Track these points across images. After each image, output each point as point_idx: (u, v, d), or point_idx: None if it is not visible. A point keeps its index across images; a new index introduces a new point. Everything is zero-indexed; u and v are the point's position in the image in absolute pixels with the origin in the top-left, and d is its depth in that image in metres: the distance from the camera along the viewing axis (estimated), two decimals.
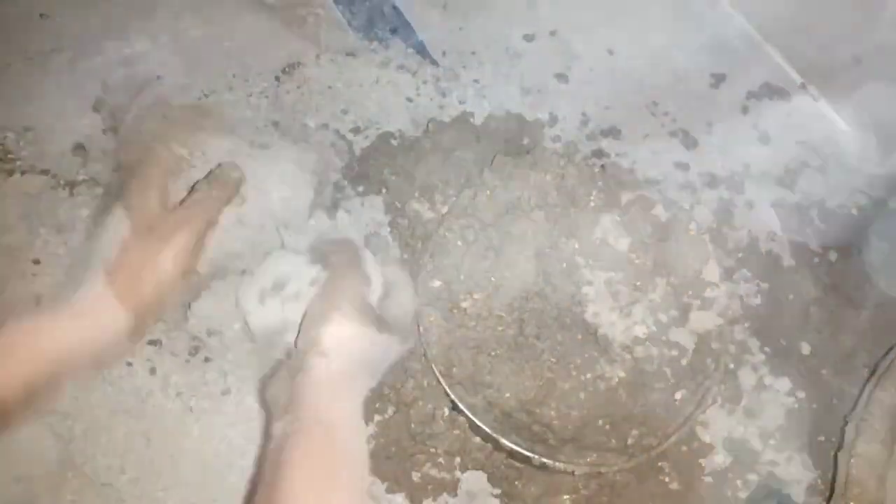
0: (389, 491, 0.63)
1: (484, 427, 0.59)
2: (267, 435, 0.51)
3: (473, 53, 0.88)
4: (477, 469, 0.63)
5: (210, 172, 0.61)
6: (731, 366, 0.69)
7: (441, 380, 0.61)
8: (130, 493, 0.62)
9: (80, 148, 0.78)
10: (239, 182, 0.62)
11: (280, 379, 0.52)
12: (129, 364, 0.66)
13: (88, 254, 0.54)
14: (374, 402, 0.65)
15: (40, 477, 0.62)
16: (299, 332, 0.54)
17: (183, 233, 0.54)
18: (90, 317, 0.50)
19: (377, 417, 0.65)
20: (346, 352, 0.52)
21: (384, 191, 0.76)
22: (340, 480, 0.47)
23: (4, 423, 0.46)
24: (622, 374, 0.62)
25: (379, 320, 0.55)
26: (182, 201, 0.58)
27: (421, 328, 0.63)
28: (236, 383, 0.67)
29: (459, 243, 0.66)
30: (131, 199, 0.55)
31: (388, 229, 0.73)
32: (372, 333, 0.54)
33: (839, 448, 0.62)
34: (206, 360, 0.67)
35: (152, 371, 0.66)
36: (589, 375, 0.61)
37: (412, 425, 0.63)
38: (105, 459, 0.63)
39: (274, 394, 0.51)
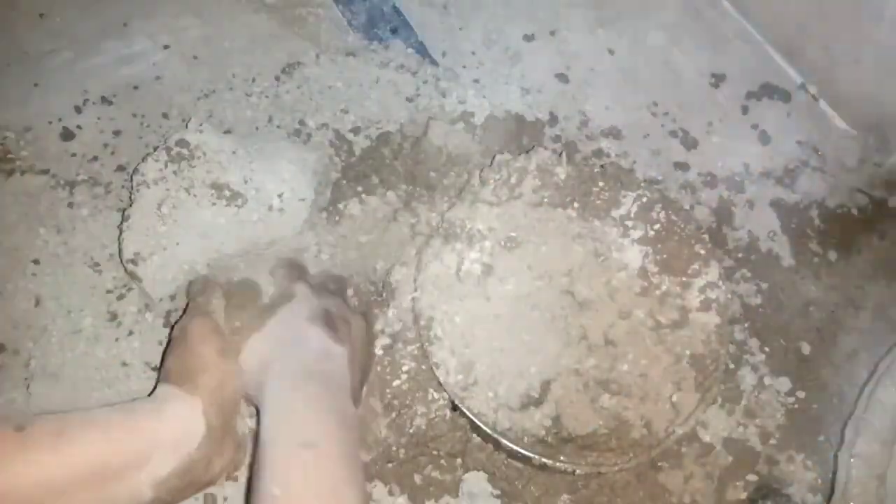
0: (391, 494, 0.62)
1: (484, 428, 0.59)
2: None
3: (473, 53, 0.88)
4: (478, 470, 0.63)
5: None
6: (731, 366, 0.69)
7: (442, 381, 0.61)
8: None
9: (79, 147, 0.78)
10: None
11: None
12: (125, 365, 0.66)
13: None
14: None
15: None
16: None
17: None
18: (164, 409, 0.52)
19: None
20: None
21: (384, 191, 0.76)
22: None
23: None
24: (622, 375, 0.62)
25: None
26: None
27: (424, 331, 0.63)
28: None
29: (459, 244, 0.66)
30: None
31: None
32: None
33: (839, 448, 0.62)
34: None
35: (151, 373, 0.66)
36: (589, 375, 0.61)
37: (413, 427, 0.63)
38: None
39: None
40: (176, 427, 0.51)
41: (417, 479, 0.63)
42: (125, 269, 0.67)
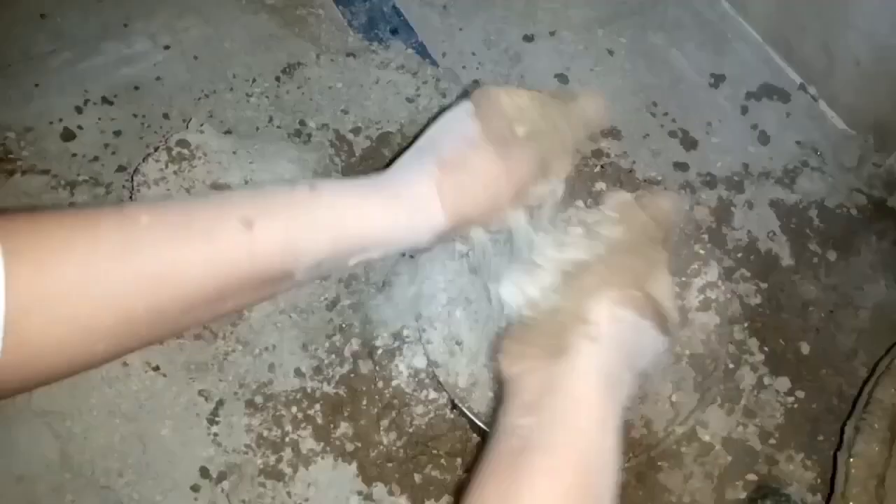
0: (391, 493, 0.63)
1: (484, 427, 0.59)
2: (498, 418, 0.41)
3: (473, 54, 0.88)
4: None
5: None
6: (731, 365, 0.69)
7: (442, 381, 0.61)
8: (129, 496, 0.62)
9: (80, 148, 0.78)
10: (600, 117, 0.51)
11: (529, 356, 0.42)
12: (126, 365, 0.66)
13: (424, 139, 0.46)
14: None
15: (41, 477, 0.62)
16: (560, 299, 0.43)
17: (527, 164, 0.45)
18: (406, 205, 0.42)
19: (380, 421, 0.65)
20: (620, 342, 0.42)
21: None
22: None
23: (287, 287, 0.41)
24: None
25: (659, 314, 0.44)
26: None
27: (421, 332, 0.63)
28: (233, 390, 0.67)
29: (458, 244, 0.66)
30: (484, 104, 0.45)
31: None
32: (652, 328, 0.43)
33: (838, 448, 0.62)
34: (211, 365, 0.67)
35: (152, 373, 0.66)
36: None
37: (413, 427, 0.63)
38: (103, 461, 0.63)
39: (516, 372, 0.41)
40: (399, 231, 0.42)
41: (417, 478, 0.63)
42: None
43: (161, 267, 0.35)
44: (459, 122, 0.46)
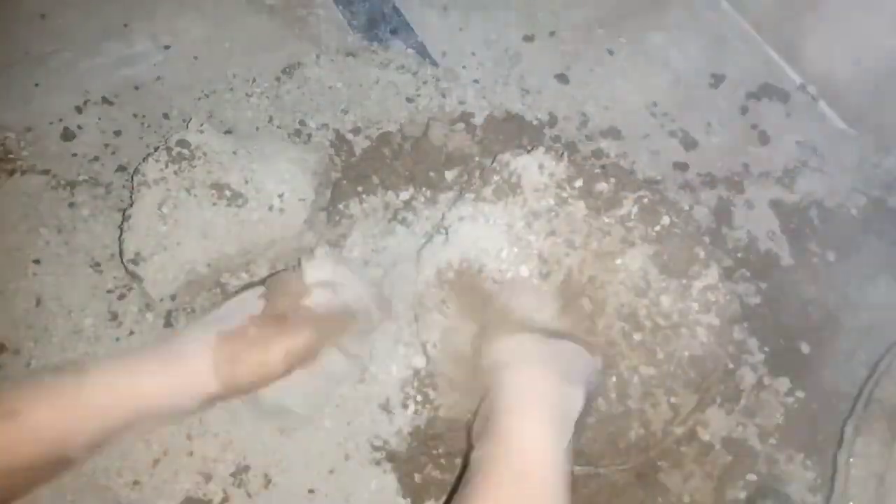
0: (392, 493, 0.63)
1: None
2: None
3: (473, 54, 0.88)
4: None
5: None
6: (731, 366, 0.69)
7: (442, 380, 0.61)
8: (128, 497, 0.62)
9: (80, 148, 0.78)
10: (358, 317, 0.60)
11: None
12: None
13: (211, 315, 0.54)
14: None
15: None
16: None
17: (304, 336, 0.53)
18: (181, 373, 0.49)
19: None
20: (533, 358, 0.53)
21: (384, 191, 0.76)
22: None
23: (67, 468, 0.46)
24: (621, 375, 0.62)
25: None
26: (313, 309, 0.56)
27: (421, 331, 0.63)
28: None
29: (459, 244, 0.66)
30: (275, 287, 0.55)
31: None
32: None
33: (838, 447, 0.62)
34: None
35: None
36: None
37: (413, 427, 0.63)
38: (103, 461, 0.63)
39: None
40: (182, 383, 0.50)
41: (417, 478, 0.63)
42: (126, 269, 0.67)
43: None
44: (247, 302, 0.54)
